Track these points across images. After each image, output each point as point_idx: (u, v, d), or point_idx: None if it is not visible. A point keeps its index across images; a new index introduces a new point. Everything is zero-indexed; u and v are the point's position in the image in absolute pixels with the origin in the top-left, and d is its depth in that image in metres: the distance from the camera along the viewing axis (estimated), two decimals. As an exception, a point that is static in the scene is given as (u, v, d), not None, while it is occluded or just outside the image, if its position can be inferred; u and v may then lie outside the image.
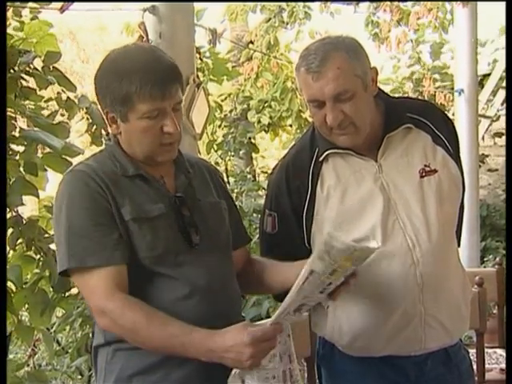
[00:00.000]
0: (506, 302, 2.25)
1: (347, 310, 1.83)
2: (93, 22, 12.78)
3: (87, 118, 2.67)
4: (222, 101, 7.06)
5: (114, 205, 1.61)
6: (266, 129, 7.19)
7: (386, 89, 1.80)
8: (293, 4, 6.90)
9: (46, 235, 2.43)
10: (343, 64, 1.75)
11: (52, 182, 2.50)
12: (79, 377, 3.92)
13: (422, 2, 6.67)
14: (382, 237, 1.81)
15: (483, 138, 7.17)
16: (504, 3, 2.42)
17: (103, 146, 2.58)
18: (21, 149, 2.41)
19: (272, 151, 9.03)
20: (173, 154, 1.69)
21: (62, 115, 2.63)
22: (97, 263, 1.57)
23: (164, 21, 2.53)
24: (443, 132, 1.93)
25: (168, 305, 1.60)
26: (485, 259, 6.38)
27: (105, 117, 1.68)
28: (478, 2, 5.68)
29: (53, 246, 2.36)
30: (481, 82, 6.34)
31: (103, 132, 2.69)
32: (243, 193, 5.35)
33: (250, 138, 7.13)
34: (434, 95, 7.14)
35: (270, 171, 2.17)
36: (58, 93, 2.59)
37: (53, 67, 2.52)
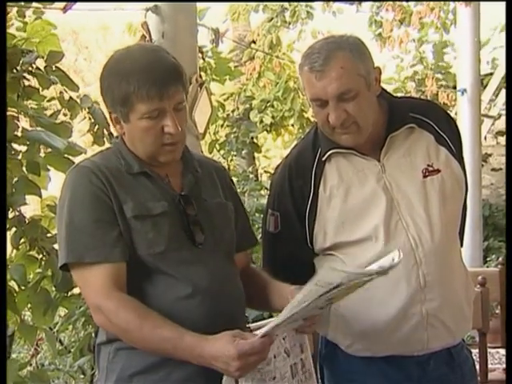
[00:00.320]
0: (506, 302, 2.25)
1: (350, 310, 1.83)
2: (95, 22, 12.80)
3: (89, 118, 2.67)
4: (225, 100, 7.06)
5: (116, 202, 1.61)
6: (269, 128, 7.19)
7: (389, 88, 1.80)
8: (295, 3, 6.90)
9: (49, 235, 2.43)
10: (347, 63, 1.75)
11: (54, 182, 2.51)
12: (82, 376, 3.93)
13: (424, 2, 6.66)
14: (385, 237, 1.81)
15: (485, 138, 7.17)
16: (504, 3, 2.42)
17: (105, 146, 2.59)
18: (23, 148, 2.41)
19: (274, 151, 9.03)
20: (176, 154, 1.69)
21: (65, 115, 2.63)
22: (95, 259, 1.58)
23: (166, 20, 2.53)
24: (446, 132, 1.93)
25: (169, 304, 1.60)
26: (487, 259, 6.38)
27: (109, 117, 1.69)
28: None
29: (56, 246, 2.36)
30: (481, 81, 6.33)
31: (105, 132, 2.69)
32: (245, 192, 5.35)
33: (252, 138, 7.14)
34: (437, 95, 7.14)
35: (272, 171, 2.17)
36: (61, 92, 2.60)
37: (55, 67, 2.52)
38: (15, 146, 2.41)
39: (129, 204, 1.62)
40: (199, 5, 3.20)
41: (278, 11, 7.03)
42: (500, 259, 4.13)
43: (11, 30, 2.76)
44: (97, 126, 2.67)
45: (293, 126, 7.20)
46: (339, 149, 1.86)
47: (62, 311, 3.21)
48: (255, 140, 7.30)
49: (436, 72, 7.52)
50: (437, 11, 6.71)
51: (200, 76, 2.73)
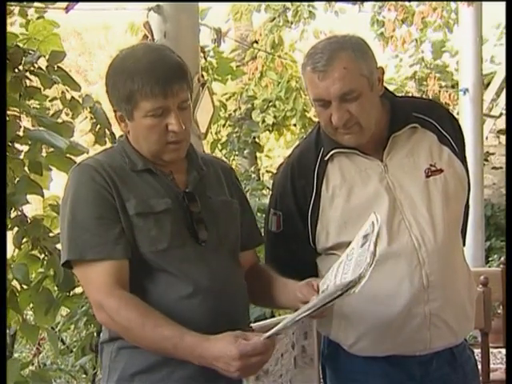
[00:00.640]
0: (506, 302, 2.25)
1: (352, 310, 1.83)
2: (97, 22, 12.80)
3: (91, 118, 2.68)
4: (227, 100, 7.06)
5: (118, 199, 1.62)
6: (271, 128, 7.19)
7: (390, 88, 1.80)
8: (297, 3, 6.90)
9: (51, 234, 2.43)
10: (349, 64, 1.75)
11: (56, 182, 2.51)
12: (83, 376, 3.93)
13: (427, 2, 6.66)
14: (388, 236, 1.80)
15: (487, 137, 7.16)
16: (504, 3, 2.41)
17: (107, 146, 2.60)
18: (25, 148, 2.42)
19: (276, 151, 9.03)
20: (180, 153, 1.69)
21: (67, 114, 2.63)
22: (97, 257, 1.58)
23: (169, 20, 2.54)
24: (449, 131, 1.93)
25: (171, 303, 1.60)
26: (489, 259, 6.38)
27: (114, 115, 1.70)
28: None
29: (58, 246, 2.37)
30: (483, 80, 6.33)
31: (107, 131, 2.69)
32: (247, 192, 5.35)
33: (254, 138, 7.14)
34: (439, 94, 7.13)
35: (274, 171, 2.17)
36: (63, 92, 2.60)
37: (57, 67, 2.52)
38: (17, 145, 2.42)
39: (131, 201, 1.62)
40: (201, 4, 3.20)
41: (280, 11, 7.03)
42: (502, 259, 4.12)
43: (14, 28, 2.76)
44: (98, 126, 2.67)
45: (295, 125, 7.19)
46: (342, 148, 1.86)
47: (63, 311, 3.22)
48: (257, 140, 7.29)
49: (436, 71, 7.52)
50: (439, 11, 6.71)
51: (202, 76, 2.74)
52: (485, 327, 2.93)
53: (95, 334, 3.15)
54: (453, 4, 6.66)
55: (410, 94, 7.10)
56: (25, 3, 2.76)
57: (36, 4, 2.76)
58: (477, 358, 2.10)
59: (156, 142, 1.64)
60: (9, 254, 2.44)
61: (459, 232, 1.95)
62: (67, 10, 2.65)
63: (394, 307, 1.80)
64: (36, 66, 2.48)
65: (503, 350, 3.51)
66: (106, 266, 1.57)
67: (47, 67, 2.50)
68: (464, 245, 2.00)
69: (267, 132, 7.39)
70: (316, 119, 1.91)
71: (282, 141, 7.70)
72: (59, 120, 2.55)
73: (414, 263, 1.80)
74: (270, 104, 7.01)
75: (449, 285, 1.84)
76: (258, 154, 7.50)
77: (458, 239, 1.94)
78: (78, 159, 2.37)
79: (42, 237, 2.39)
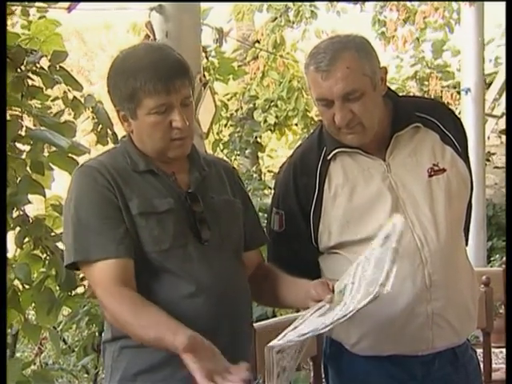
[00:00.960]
0: (506, 302, 2.25)
1: (354, 310, 1.83)
2: (99, 22, 12.81)
3: (93, 118, 2.68)
4: (228, 100, 7.07)
5: (121, 199, 1.62)
6: (272, 128, 7.19)
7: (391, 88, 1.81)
8: (299, 3, 6.90)
9: (53, 234, 2.44)
10: (352, 63, 1.75)
11: (58, 181, 2.51)
12: (85, 375, 3.93)
13: (428, 2, 6.66)
14: (390, 236, 1.80)
15: (489, 137, 7.16)
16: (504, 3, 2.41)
17: (109, 145, 2.60)
18: (27, 148, 2.42)
19: (278, 150, 9.03)
20: (184, 149, 1.69)
21: (69, 114, 2.64)
22: (101, 256, 1.58)
23: (171, 20, 2.54)
24: (452, 131, 1.93)
25: (174, 303, 1.60)
26: (491, 259, 6.37)
27: (117, 115, 1.70)
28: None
29: (59, 245, 2.37)
30: (485, 80, 6.32)
31: (109, 131, 2.69)
32: (249, 192, 5.34)
33: (256, 137, 7.15)
34: (441, 94, 7.13)
35: (276, 170, 2.17)
36: (65, 92, 2.60)
37: (59, 66, 2.52)
38: (19, 145, 2.42)
39: (134, 201, 1.63)
40: (203, 4, 3.20)
41: (282, 11, 7.03)
42: (504, 259, 4.12)
43: (16, 29, 2.76)
44: (100, 126, 2.67)
45: (296, 125, 7.20)
46: (344, 148, 1.86)
47: (65, 310, 3.22)
48: (259, 139, 7.30)
49: (437, 71, 7.52)
50: (441, 11, 6.71)
51: (204, 76, 2.74)
52: (487, 327, 2.93)
53: (97, 333, 3.16)
54: (454, 4, 6.65)
55: (412, 94, 7.10)
56: (26, 3, 2.76)
57: (38, 4, 2.76)
58: (479, 357, 2.10)
59: (160, 139, 1.64)
60: (11, 254, 2.44)
61: (462, 232, 1.95)
62: (69, 9, 2.65)
63: (397, 306, 1.80)
64: (38, 65, 2.48)
65: (505, 350, 3.51)
66: (109, 264, 1.58)
67: (49, 67, 2.50)
68: (467, 244, 2.00)
69: (269, 132, 7.39)
70: (318, 119, 1.91)
71: (283, 141, 7.70)
72: (61, 120, 2.55)
73: (417, 262, 1.80)
74: (272, 104, 7.02)
75: (451, 284, 1.84)
76: (259, 154, 7.51)
77: (460, 239, 1.94)
78: (80, 159, 2.37)
79: (43, 236, 2.40)
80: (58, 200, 2.50)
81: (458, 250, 1.90)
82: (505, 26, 2.32)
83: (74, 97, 2.61)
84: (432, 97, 6.93)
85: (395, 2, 6.77)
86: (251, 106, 7.12)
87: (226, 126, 7.08)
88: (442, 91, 7.13)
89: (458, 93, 6.26)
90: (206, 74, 3.98)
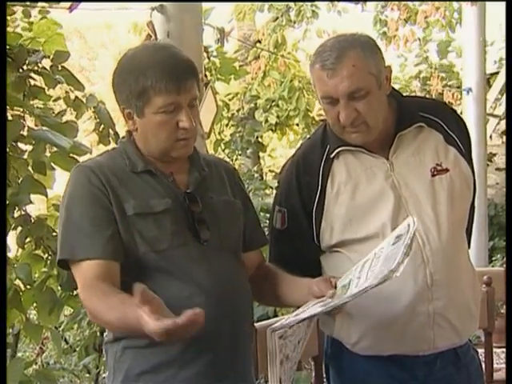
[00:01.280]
0: (506, 302, 2.25)
1: (356, 308, 1.82)
2: (100, 21, 12.82)
3: (95, 118, 2.68)
4: (230, 100, 7.07)
5: (115, 201, 1.62)
6: (274, 128, 7.20)
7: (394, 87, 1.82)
8: (300, 3, 6.91)
9: (54, 234, 2.43)
10: (358, 62, 1.75)
11: (60, 181, 2.51)
12: (87, 375, 3.94)
13: (429, 1, 6.66)
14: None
15: (491, 137, 7.15)
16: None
17: (110, 145, 2.60)
18: (29, 148, 2.42)
19: (279, 150, 9.03)
20: (188, 149, 1.69)
21: (71, 114, 2.64)
22: (85, 256, 1.59)
23: (172, 20, 2.54)
24: (455, 131, 1.93)
25: (173, 303, 1.58)
26: (493, 258, 6.37)
27: (121, 113, 1.70)
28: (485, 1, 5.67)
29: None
30: (488, 80, 6.32)
31: (111, 131, 2.69)
32: (250, 192, 5.35)
33: (257, 137, 7.15)
34: (442, 94, 7.13)
35: (277, 170, 2.17)
36: (66, 92, 2.60)
37: (61, 66, 2.52)
38: (21, 145, 2.42)
39: (130, 202, 1.62)
40: (204, 4, 3.20)
41: (283, 10, 7.03)
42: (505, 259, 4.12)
43: (17, 30, 2.77)
44: (102, 126, 2.67)
45: (298, 125, 7.20)
46: (348, 146, 1.86)
47: (67, 310, 3.22)
48: (260, 139, 7.30)
49: (440, 71, 7.52)
50: (442, 10, 6.71)
51: (205, 75, 2.74)
52: (488, 327, 2.93)
53: (98, 333, 3.16)
54: (455, 4, 6.65)
55: (414, 94, 7.10)
56: (28, 3, 2.76)
57: (39, 4, 2.77)
58: (480, 357, 2.10)
59: (166, 139, 1.64)
60: (12, 254, 2.44)
61: (464, 232, 1.95)
62: (71, 9, 2.65)
63: (398, 305, 1.80)
64: (40, 65, 2.49)
65: (505, 350, 3.50)
66: (92, 264, 1.58)
67: (51, 67, 2.50)
68: (469, 247, 2.00)
69: (270, 132, 7.40)
70: (319, 119, 1.92)
71: (284, 140, 7.71)
72: (63, 120, 2.55)
73: (418, 261, 1.80)
74: (273, 104, 7.02)
75: (453, 284, 1.83)
76: (260, 154, 7.51)
77: (462, 240, 1.93)
78: (82, 159, 2.38)
79: (45, 236, 2.40)
80: (60, 200, 2.50)
81: (459, 250, 1.90)
82: (505, 26, 2.31)
83: (76, 97, 2.61)
84: (433, 96, 6.93)
85: (396, 2, 6.77)
86: (252, 105, 7.13)
87: (227, 125, 7.08)
88: (443, 91, 7.13)
89: (460, 93, 6.25)
90: (208, 73, 3.98)
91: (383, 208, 1.82)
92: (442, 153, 1.89)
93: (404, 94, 2.04)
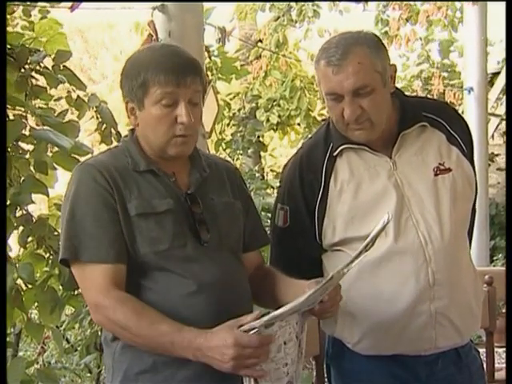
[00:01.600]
0: (506, 302, 2.25)
1: (357, 307, 1.83)
2: (101, 21, 12.82)
3: (97, 117, 2.68)
4: (231, 99, 7.07)
5: (119, 200, 1.62)
6: (275, 127, 7.20)
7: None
8: (302, 2, 6.91)
9: (56, 233, 2.43)
10: (364, 59, 1.76)
11: (61, 181, 2.51)
12: (88, 374, 3.94)
13: (431, 1, 6.66)
14: (395, 233, 1.80)
15: (493, 137, 7.15)
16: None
17: (112, 145, 2.60)
18: (31, 147, 2.42)
19: (280, 150, 9.03)
20: (186, 148, 1.69)
21: (72, 114, 2.64)
22: (90, 258, 1.59)
23: (173, 19, 2.54)
24: (458, 132, 1.93)
25: (174, 302, 1.60)
26: (494, 258, 6.37)
27: (125, 108, 1.71)
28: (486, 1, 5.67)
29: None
30: (491, 80, 6.32)
31: (113, 131, 2.69)
32: (252, 191, 5.35)
33: (258, 137, 7.15)
34: (444, 93, 7.13)
35: (278, 170, 2.17)
36: (68, 91, 2.60)
37: (63, 66, 2.52)
38: (23, 144, 2.42)
39: (133, 202, 1.63)
40: (206, 4, 3.20)
41: (285, 10, 7.03)
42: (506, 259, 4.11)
43: (16, 29, 2.77)
44: (104, 125, 2.67)
45: (299, 124, 7.20)
46: (351, 144, 1.86)
47: (68, 310, 3.23)
48: (261, 139, 7.31)
49: (442, 71, 7.52)
50: (444, 10, 6.70)
51: (206, 75, 2.74)
52: (489, 326, 2.93)
53: (99, 332, 3.15)
54: (457, 3, 6.65)
55: (416, 93, 7.10)
56: (28, 3, 2.76)
57: (40, 3, 2.77)
58: (482, 357, 2.10)
59: (164, 133, 1.64)
60: (14, 254, 2.44)
61: (466, 232, 1.95)
62: (72, 9, 2.66)
63: (400, 304, 1.80)
64: (42, 65, 2.49)
65: (506, 350, 3.50)
66: (101, 268, 1.58)
67: (53, 67, 2.50)
68: (470, 246, 2.00)
69: (271, 131, 7.40)
70: (320, 118, 1.92)
71: (286, 140, 7.71)
72: (65, 119, 2.55)
73: (421, 260, 1.80)
74: (275, 103, 7.02)
75: (455, 283, 1.83)
76: (262, 153, 7.51)
77: (464, 239, 1.94)
78: (83, 159, 2.37)
79: (47, 236, 2.40)
80: (62, 200, 2.49)
81: (461, 249, 1.90)
82: (505, 26, 2.31)
83: (78, 96, 2.61)
84: (435, 96, 6.93)
85: (398, 1, 6.77)
86: (254, 105, 7.13)
87: (228, 125, 7.09)
88: (444, 90, 7.13)
89: (462, 92, 6.25)
90: (209, 73, 3.99)
91: (386, 207, 1.82)
92: (445, 152, 1.89)
93: (406, 94, 2.04)
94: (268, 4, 7.02)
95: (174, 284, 1.61)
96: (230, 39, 4.79)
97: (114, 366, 1.66)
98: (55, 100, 2.63)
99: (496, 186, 7.59)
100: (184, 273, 1.62)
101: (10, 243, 2.39)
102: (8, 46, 2.35)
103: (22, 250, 2.44)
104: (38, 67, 2.47)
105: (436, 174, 1.86)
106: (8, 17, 2.58)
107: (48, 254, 2.43)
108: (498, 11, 5.91)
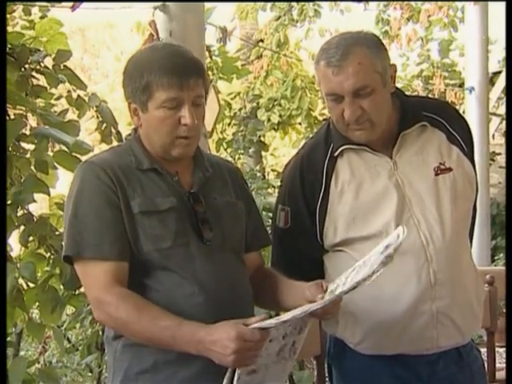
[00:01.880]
0: (506, 302, 2.25)
1: (358, 307, 1.83)
2: (102, 20, 12.82)
3: (97, 116, 2.68)
4: (232, 99, 7.07)
5: (123, 199, 1.63)
6: (276, 127, 7.19)
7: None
8: (303, 2, 6.91)
9: (57, 233, 2.44)
10: (364, 59, 1.75)
11: (62, 180, 2.51)
12: (89, 374, 3.94)
13: (432, 1, 6.66)
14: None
15: (493, 136, 7.15)
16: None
17: (113, 144, 2.60)
18: (31, 147, 2.42)
19: (281, 149, 9.03)
20: (188, 149, 1.69)
21: (73, 113, 2.64)
22: (93, 255, 1.59)
23: (174, 19, 2.54)
24: (458, 131, 1.93)
25: (175, 301, 1.60)
26: (495, 258, 6.37)
27: (128, 108, 1.71)
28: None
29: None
30: (491, 79, 6.31)
31: (113, 130, 2.70)
32: (253, 191, 5.35)
33: (259, 137, 7.15)
34: (444, 93, 7.13)
35: (279, 169, 2.17)
36: (69, 91, 2.60)
37: (63, 65, 2.53)
38: (23, 144, 2.42)
39: (136, 200, 1.63)
40: (207, 3, 3.20)
41: (286, 10, 7.03)
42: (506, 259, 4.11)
43: (16, 28, 2.77)
44: (104, 125, 2.67)
45: (300, 124, 7.20)
46: (351, 145, 1.86)
47: (69, 309, 3.23)
48: (262, 138, 7.30)
49: (442, 70, 7.51)
50: (445, 9, 6.70)
51: (207, 75, 2.74)
52: (491, 326, 2.93)
53: (100, 332, 3.16)
54: (458, 3, 6.65)
55: (416, 93, 7.10)
56: (29, 2, 2.77)
57: (40, 3, 2.77)
58: (483, 357, 2.09)
59: (167, 134, 1.64)
60: (15, 253, 2.45)
61: (467, 231, 1.95)
62: (73, 8, 2.66)
63: (401, 304, 1.80)
64: (42, 64, 2.49)
65: (506, 350, 3.50)
66: (104, 265, 1.59)
67: (53, 66, 2.51)
68: (470, 246, 2.00)
69: (272, 131, 7.40)
70: (321, 118, 1.92)
71: (287, 140, 7.71)
72: (65, 119, 2.55)
73: (422, 260, 1.80)
74: (276, 103, 7.02)
75: (456, 283, 1.83)
76: (263, 153, 7.51)
77: (465, 238, 1.94)
78: (84, 158, 2.37)
79: (48, 235, 2.40)
80: (63, 199, 2.49)
81: (462, 249, 1.90)
82: (505, 26, 2.31)
83: (78, 96, 2.61)
84: (436, 95, 6.92)
85: (399, 1, 6.77)
86: (255, 105, 7.12)
87: (229, 125, 7.08)
88: (445, 90, 7.13)
89: (463, 92, 6.25)
90: (210, 73, 3.99)
91: (387, 207, 1.82)
92: (445, 152, 1.89)
93: (406, 94, 2.04)
94: (269, 4, 7.02)
95: (176, 283, 1.62)
96: (231, 39, 4.79)
97: (115, 365, 1.66)
98: (56, 99, 2.63)
99: (497, 185, 7.58)
100: (185, 272, 1.62)
101: (11, 242, 2.39)
102: (8, 46, 2.36)
103: (23, 249, 2.44)
104: (38, 67, 2.47)
105: (437, 174, 1.86)
106: (8, 16, 2.58)
107: (49, 254, 2.43)
108: (498, 10, 5.92)
